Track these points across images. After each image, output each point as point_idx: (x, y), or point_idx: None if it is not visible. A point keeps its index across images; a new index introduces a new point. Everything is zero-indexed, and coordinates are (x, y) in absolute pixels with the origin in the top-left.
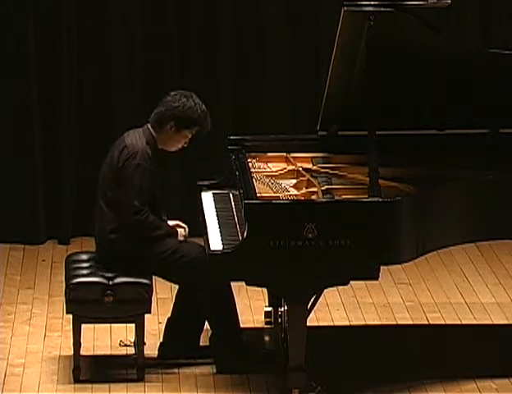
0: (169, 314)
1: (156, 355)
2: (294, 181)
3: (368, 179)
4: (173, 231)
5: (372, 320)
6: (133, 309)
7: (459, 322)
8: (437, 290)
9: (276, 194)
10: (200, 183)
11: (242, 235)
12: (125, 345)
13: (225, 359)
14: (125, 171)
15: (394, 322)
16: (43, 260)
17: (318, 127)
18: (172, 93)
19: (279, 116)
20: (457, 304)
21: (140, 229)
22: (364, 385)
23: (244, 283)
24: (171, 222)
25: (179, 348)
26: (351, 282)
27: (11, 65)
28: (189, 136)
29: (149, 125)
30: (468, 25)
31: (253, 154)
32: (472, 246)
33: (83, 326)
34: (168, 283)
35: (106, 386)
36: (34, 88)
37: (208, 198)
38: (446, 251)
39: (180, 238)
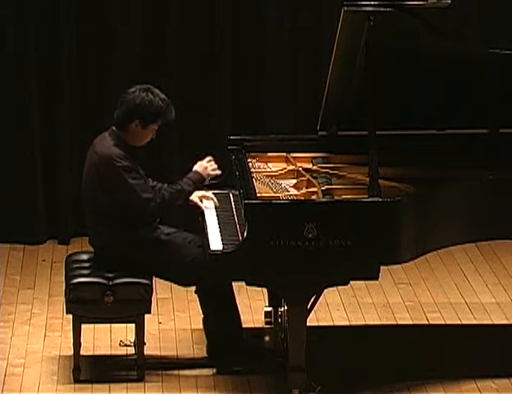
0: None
1: (156, 355)
2: (294, 181)
3: (368, 179)
4: (195, 176)
5: (372, 320)
6: (133, 309)
7: (459, 323)
8: (437, 290)
9: (276, 194)
10: None
11: (242, 235)
12: (125, 345)
13: (225, 359)
14: (112, 180)
15: (394, 322)
16: (43, 260)
17: (318, 127)
18: (130, 91)
19: (279, 116)
20: (457, 304)
21: (163, 210)
22: (364, 385)
23: (244, 283)
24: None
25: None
26: (351, 282)
27: (11, 65)
28: (156, 128)
29: (114, 128)
30: (468, 25)
31: (253, 154)
32: (472, 246)
33: (83, 326)
34: (168, 283)
35: (106, 386)
36: (34, 88)
37: None
38: (446, 251)
39: (209, 171)
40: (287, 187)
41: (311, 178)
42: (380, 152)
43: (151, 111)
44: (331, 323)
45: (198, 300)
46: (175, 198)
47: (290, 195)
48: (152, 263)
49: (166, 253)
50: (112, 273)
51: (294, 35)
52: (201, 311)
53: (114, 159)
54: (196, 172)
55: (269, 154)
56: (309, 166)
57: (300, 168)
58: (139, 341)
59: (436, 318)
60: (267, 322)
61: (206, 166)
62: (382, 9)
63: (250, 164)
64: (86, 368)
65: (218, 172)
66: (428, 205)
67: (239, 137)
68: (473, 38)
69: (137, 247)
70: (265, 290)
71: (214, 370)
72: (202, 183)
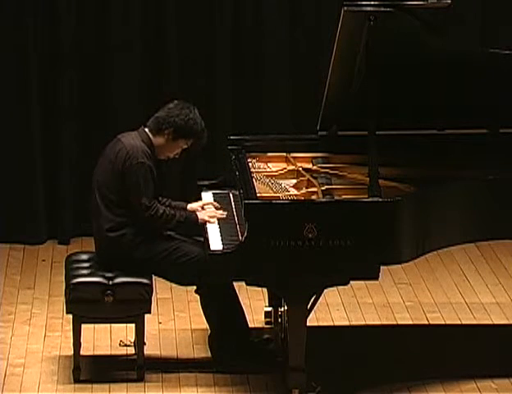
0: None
1: (156, 355)
2: (294, 181)
3: (367, 179)
4: (192, 215)
5: (372, 320)
6: (133, 309)
7: (459, 323)
8: (437, 290)
9: (276, 194)
10: (200, 183)
11: (242, 235)
12: (125, 345)
13: (225, 359)
14: (128, 172)
15: (394, 322)
16: (43, 260)
17: (318, 127)
18: (175, 102)
19: (279, 116)
20: (457, 304)
21: (154, 224)
22: (364, 385)
23: (244, 283)
24: (195, 204)
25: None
26: (351, 282)
27: (12, 65)
28: (183, 147)
29: (146, 129)
30: (468, 25)
31: (253, 154)
32: (472, 246)
33: (83, 326)
34: (168, 283)
35: (106, 386)
36: (34, 86)
37: (208, 198)
38: (446, 251)
39: (205, 217)
40: (287, 187)
41: (311, 178)
42: (380, 152)
43: (188, 126)
44: (331, 323)
45: (199, 300)
46: (166, 220)
47: (290, 195)
48: (152, 260)
49: (166, 250)
50: (112, 272)
51: (295, 35)
52: (202, 312)
53: (139, 153)
54: (195, 214)
55: (269, 154)
56: (309, 166)
57: (300, 168)
58: (139, 341)
59: (436, 318)
60: (267, 323)
61: (208, 214)
62: (382, 9)
63: (250, 164)
64: (86, 368)
65: (213, 222)
66: (428, 205)
67: (239, 137)
68: (473, 39)
69: (138, 242)
70: (265, 290)
71: (214, 370)
72: (193, 225)
